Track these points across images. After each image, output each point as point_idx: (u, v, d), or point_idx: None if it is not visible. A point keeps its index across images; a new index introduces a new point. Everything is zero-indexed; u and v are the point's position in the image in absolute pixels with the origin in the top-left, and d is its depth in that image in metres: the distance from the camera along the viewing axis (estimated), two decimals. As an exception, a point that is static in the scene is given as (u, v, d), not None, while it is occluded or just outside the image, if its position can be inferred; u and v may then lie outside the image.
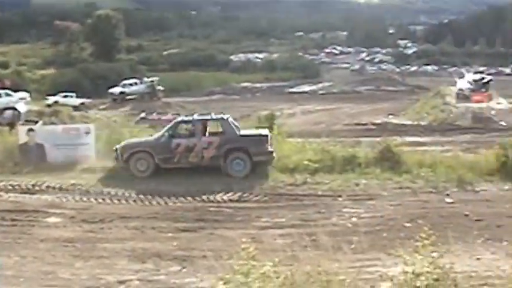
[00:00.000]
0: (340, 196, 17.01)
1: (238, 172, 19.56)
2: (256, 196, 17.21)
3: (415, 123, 51.15)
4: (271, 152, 20.02)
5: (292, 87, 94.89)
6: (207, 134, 20.68)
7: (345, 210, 15.65)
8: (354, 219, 14.77)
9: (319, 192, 17.43)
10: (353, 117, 55.99)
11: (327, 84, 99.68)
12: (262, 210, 15.86)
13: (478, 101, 57.56)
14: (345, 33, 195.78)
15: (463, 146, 35.59)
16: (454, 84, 67.04)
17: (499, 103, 59.91)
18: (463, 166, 19.66)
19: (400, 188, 17.92)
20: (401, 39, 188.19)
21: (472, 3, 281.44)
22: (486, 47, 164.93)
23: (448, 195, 17.10)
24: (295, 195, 17.30)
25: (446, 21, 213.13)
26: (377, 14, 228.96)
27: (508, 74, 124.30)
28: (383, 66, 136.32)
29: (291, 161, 20.23)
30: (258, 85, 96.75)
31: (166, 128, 20.83)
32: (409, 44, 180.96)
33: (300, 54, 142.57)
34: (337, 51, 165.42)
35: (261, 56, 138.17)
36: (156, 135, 21.08)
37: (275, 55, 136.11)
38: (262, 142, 20.09)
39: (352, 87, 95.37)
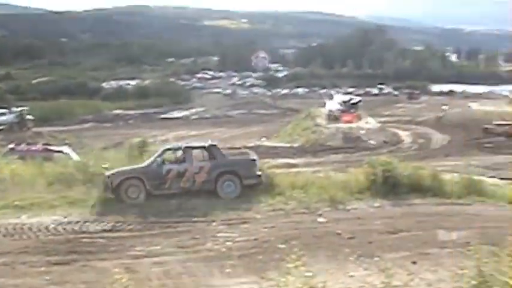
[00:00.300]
0: (214, 221, 16.91)
1: (229, 194, 19.77)
2: (130, 225, 16.84)
3: (288, 145, 51.95)
4: (260, 176, 20.31)
5: (164, 113, 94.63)
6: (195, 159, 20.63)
7: (219, 235, 15.54)
8: (229, 243, 14.68)
9: (194, 218, 17.25)
10: (226, 142, 56.09)
11: (199, 109, 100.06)
12: (136, 239, 15.52)
13: (347, 122, 59.18)
14: (216, 58, 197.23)
15: (334, 165, 36.53)
16: (324, 105, 68.62)
17: (367, 123, 61.91)
18: (335, 186, 20.01)
19: (274, 210, 17.99)
20: (272, 62, 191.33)
21: (340, 27, 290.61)
22: (354, 69, 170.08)
23: (320, 215, 17.32)
24: (169, 222, 17.06)
25: (315, 44, 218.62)
26: (248, 38, 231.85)
27: (375, 95, 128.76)
28: (254, 90, 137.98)
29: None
30: (130, 112, 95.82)
31: (155, 156, 20.67)
32: (280, 68, 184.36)
33: (172, 80, 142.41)
34: (208, 76, 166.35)
35: (133, 82, 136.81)
36: (146, 162, 20.84)
37: (147, 81, 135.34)
38: (251, 166, 20.47)
39: (224, 111, 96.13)
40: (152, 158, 20.71)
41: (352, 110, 64.41)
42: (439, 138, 57.20)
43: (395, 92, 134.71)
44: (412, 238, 14.93)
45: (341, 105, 65.89)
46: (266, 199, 19.00)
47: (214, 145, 21.28)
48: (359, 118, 61.70)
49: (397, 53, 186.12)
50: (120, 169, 20.54)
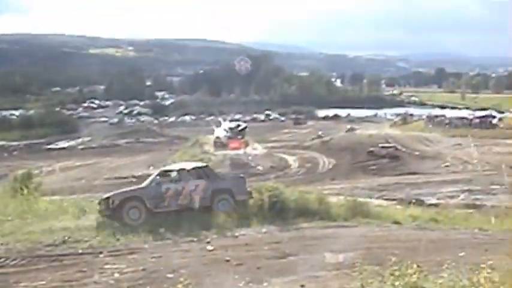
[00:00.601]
0: (101, 253, 16.54)
1: (224, 210, 20.53)
2: (14, 260, 16.24)
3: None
4: (250, 192, 21.41)
5: (50, 143, 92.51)
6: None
7: (106, 266, 15.18)
8: (117, 275, 14.38)
9: (80, 251, 16.81)
10: (114, 171, 55.59)
11: (86, 139, 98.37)
12: (21, 275, 14.96)
13: (234, 148, 59.50)
14: (102, 87, 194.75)
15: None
16: (212, 132, 68.80)
17: (255, 149, 62.47)
18: (223, 212, 20.01)
19: (162, 239, 17.79)
20: (159, 90, 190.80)
21: (226, 53, 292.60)
22: (241, 95, 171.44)
23: (208, 242, 17.24)
24: (54, 255, 16.55)
25: (201, 71, 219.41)
26: (134, 66, 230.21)
27: (262, 121, 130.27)
28: (141, 118, 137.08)
29: (47, 223, 19.48)
30: (14, 143, 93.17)
31: (152, 177, 21.69)
32: (167, 95, 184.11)
33: (57, 109, 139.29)
34: (95, 105, 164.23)
35: (16, 113, 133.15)
36: (144, 183, 21.56)
37: (31, 111, 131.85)
38: (241, 183, 21.80)
39: (111, 140, 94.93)
40: (150, 179, 21.58)
41: (239, 137, 64.81)
42: (325, 162, 58.27)
43: (282, 118, 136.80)
44: (300, 262, 15.03)
45: (228, 132, 66.20)
46: (155, 228, 18.79)
47: (207, 166, 23.58)
48: (246, 144, 62.11)
49: (283, 79, 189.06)
50: (117, 191, 21.36)
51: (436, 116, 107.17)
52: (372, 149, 61.25)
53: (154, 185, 21.04)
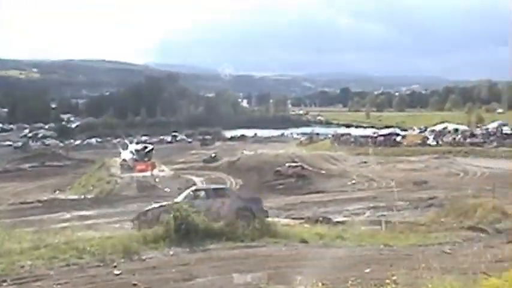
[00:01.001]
0: (4, 281, 16.00)
1: (245, 226, 21.66)
2: None
3: (82, 197, 50.79)
4: (266, 211, 25.86)
5: None
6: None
7: (10, 297, 14.74)
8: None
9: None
10: (18, 196, 54.06)
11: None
12: None
13: (141, 170, 58.92)
14: (5, 109, 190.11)
15: (130, 215, 36.06)
16: (119, 155, 67.97)
17: (162, 170, 62.04)
18: (130, 236, 19.73)
19: (67, 265, 17.32)
20: (64, 113, 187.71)
21: (131, 76, 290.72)
22: (147, 117, 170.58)
23: (115, 266, 16.92)
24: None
25: (107, 93, 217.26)
26: (38, 88, 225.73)
27: (169, 142, 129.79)
28: (47, 141, 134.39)
29: None
30: None
31: (186, 193, 25.46)
32: (72, 118, 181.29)
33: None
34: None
35: None
36: (177, 199, 24.73)
37: None
38: (259, 202, 26.19)
39: (16, 165, 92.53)
40: (183, 196, 25.11)
41: (145, 159, 64.16)
42: (232, 183, 58.36)
43: (189, 139, 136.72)
44: (207, 284, 14.96)
45: (134, 154, 65.48)
46: (59, 254, 18.31)
47: (228, 188, 30.31)
48: (153, 166, 61.55)
49: (189, 100, 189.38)
50: (155, 205, 24.88)
51: (342, 135, 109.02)
52: (278, 168, 61.71)
53: (188, 201, 23.28)
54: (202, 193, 25.55)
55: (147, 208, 24.49)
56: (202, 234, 19.82)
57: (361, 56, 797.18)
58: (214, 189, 26.64)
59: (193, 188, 27.37)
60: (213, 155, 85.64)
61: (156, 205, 24.58)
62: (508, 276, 10.36)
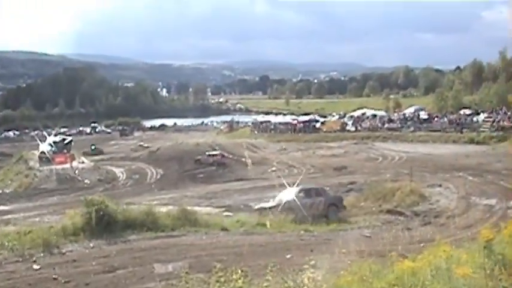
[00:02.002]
0: None
1: (334, 217, 30.40)
2: None
3: (0, 191, 49.67)
4: (345, 206, 32.33)
5: None
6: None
7: None
8: None
9: None
10: None
11: None
12: None
13: (60, 163, 57.89)
14: None
15: (50, 208, 35.51)
16: (37, 148, 66.58)
17: (81, 162, 61.15)
18: (49, 229, 19.42)
19: (-14, 261, 16.99)
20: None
21: (48, 66, 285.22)
22: (66, 108, 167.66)
23: (34, 261, 16.67)
24: None
25: (24, 85, 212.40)
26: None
27: (88, 133, 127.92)
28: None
29: None
30: None
31: (297, 191, 31.28)
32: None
33: None
34: None
35: None
36: (287, 198, 30.30)
37: None
38: (341, 199, 33.03)
39: None
40: (292, 194, 30.54)
41: (64, 151, 63.05)
42: (153, 173, 58.03)
43: (108, 130, 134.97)
44: (128, 275, 14.94)
45: (53, 146, 64.22)
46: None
47: (322, 187, 34.65)
48: (72, 158, 60.57)
49: (108, 91, 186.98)
50: (269, 203, 31.06)
51: (262, 122, 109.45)
52: (199, 157, 61.65)
53: (299, 199, 30.02)
54: (306, 192, 31.38)
55: (263, 206, 30.74)
56: (123, 226, 19.72)
57: (279, 43, 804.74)
58: (315, 189, 32.84)
59: (299, 188, 32.05)
60: (92, 147, 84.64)
61: (273, 204, 30.24)
62: (423, 256, 10.68)
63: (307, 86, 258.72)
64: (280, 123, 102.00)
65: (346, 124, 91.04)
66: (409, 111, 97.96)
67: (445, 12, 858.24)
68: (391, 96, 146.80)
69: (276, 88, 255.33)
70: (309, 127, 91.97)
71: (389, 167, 51.10)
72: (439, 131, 73.58)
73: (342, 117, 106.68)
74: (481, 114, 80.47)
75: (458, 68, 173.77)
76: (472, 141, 64.94)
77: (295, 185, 32.90)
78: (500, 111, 77.66)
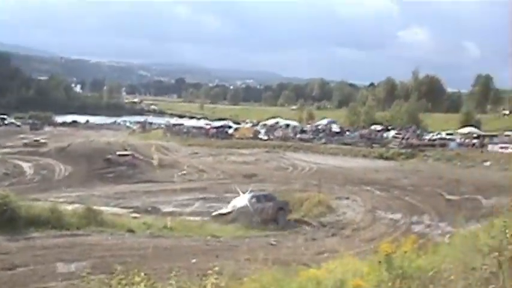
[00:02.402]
0: None
1: (282, 220, 33.55)
2: None
3: None
4: (291, 210, 35.12)
5: None
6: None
7: None
8: None
9: None
10: None
11: None
12: None
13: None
14: None
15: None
16: None
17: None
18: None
19: None
20: None
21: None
22: None
23: None
24: None
25: None
26: None
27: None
28: None
29: None
30: None
31: (248, 198, 33.77)
32: None
33: None
34: None
35: None
36: (240, 204, 33.18)
37: None
38: (287, 204, 35.54)
39: None
40: (245, 200, 33.42)
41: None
42: (62, 169, 56.93)
43: (18, 123, 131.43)
44: (29, 273, 14.62)
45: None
46: None
47: (271, 193, 37.38)
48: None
49: (21, 83, 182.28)
50: (224, 209, 33.40)
51: (175, 125, 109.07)
52: (109, 156, 60.81)
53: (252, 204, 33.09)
54: (257, 198, 34.14)
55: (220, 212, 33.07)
56: (26, 222, 19.25)
57: (198, 47, 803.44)
58: (264, 195, 36.14)
59: (251, 194, 34.75)
60: (39, 138, 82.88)
61: (228, 210, 33.04)
62: (326, 267, 10.84)
63: (223, 91, 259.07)
64: (193, 127, 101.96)
65: (259, 132, 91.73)
66: (322, 123, 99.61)
67: (363, 28, 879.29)
68: (306, 108, 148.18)
69: (192, 92, 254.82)
70: (221, 133, 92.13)
71: (299, 177, 51.76)
72: (350, 144, 75.10)
73: (255, 125, 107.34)
74: (391, 130, 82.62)
75: (372, 84, 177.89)
76: (381, 157, 66.63)
77: (248, 192, 35.37)
78: (409, 129, 79.99)
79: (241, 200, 33.50)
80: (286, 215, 34.31)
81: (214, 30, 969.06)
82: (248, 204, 32.74)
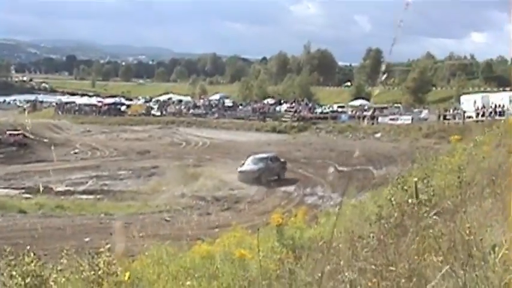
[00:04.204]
0: None
1: (283, 175, 40.55)
2: None
3: None
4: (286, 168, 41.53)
5: None
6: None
7: None
8: None
9: None
10: None
11: None
12: None
13: None
14: None
15: None
16: None
17: None
18: None
19: None
20: None
21: None
22: None
23: None
24: None
25: None
26: None
27: None
28: None
29: None
30: None
31: (262, 158, 40.70)
32: None
33: None
34: None
35: None
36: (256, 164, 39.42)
37: None
38: (286, 162, 41.91)
39: None
40: (261, 160, 40.15)
41: None
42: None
43: None
44: None
45: None
46: None
47: (275, 155, 42.42)
48: None
49: None
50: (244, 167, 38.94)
51: (66, 103, 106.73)
52: (-2, 136, 59.21)
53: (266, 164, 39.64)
54: (271, 159, 40.56)
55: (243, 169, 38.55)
56: None
57: (88, 23, 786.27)
58: (275, 156, 41.90)
59: (261, 156, 41.23)
60: None
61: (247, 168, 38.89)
62: (219, 241, 11.02)
63: (114, 68, 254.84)
64: (85, 105, 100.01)
65: (152, 108, 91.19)
66: (214, 98, 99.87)
67: (255, 3, 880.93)
68: (198, 83, 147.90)
69: (83, 69, 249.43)
70: (114, 110, 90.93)
71: (193, 152, 51.90)
72: (243, 118, 75.52)
73: (148, 101, 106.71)
74: (284, 104, 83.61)
75: (264, 58, 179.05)
76: (274, 130, 67.41)
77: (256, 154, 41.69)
78: (301, 102, 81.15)
79: (256, 160, 39.84)
80: (285, 171, 41.07)
81: (104, 5, 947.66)
82: (266, 164, 39.26)
